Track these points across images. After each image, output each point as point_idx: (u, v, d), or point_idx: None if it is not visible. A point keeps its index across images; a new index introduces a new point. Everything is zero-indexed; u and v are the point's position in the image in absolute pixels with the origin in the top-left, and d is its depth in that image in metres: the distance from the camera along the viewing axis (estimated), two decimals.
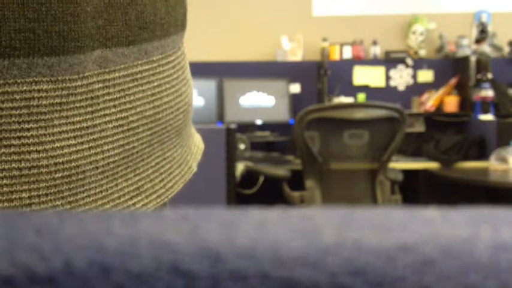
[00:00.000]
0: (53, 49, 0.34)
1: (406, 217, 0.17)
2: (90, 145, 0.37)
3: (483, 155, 3.51)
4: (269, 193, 3.22)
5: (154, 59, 0.40)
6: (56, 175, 0.36)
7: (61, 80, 0.35)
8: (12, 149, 0.34)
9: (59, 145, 0.35)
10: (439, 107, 3.95)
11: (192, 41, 4.19)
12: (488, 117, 3.72)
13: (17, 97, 0.34)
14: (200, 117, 3.60)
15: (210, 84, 3.77)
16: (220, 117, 3.79)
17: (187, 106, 0.44)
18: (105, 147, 0.37)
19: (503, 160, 3.25)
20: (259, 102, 3.92)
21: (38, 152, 0.35)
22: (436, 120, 3.94)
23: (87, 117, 0.36)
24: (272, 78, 3.98)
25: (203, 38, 4.21)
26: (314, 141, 2.88)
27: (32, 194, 0.35)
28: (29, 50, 0.33)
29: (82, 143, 0.36)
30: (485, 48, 4.02)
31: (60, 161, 0.35)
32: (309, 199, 2.91)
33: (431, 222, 0.17)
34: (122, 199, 0.39)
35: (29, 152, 0.34)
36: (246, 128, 3.79)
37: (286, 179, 3.04)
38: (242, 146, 3.49)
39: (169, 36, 0.41)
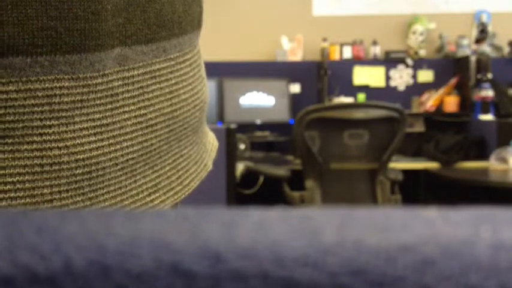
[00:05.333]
0: (74, 47, 0.35)
1: (406, 217, 0.17)
2: (109, 142, 0.37)
3: (483, 155, 3.51)
4: (269, 193, 3.22)
5: (172, 56, 0.41)
6: (77, 171, 0.36)
7: (82, 77, 0.35)
8: (35, 146, 0.35)
9: (79, 142, 0.36)
10: (439, 107, 3.95)
11: None
12: (488, 117, 3.72)
13: (39, 94, 0.34)
14: None
15: (210, 84, 3.77)
16: (220, 117, 3.79)
17: (203, 104, 0.45)
18: (124, 144, 0.38)
19: (503, 160, 3.25)
20: (259, 102, 3.92)
21: (60, 148, 0.35)
22: (436, 120, 3.94)
23: (107, 114, 0.37)
24: (272, 78, 3.98)
25: (203, 38, 4.20)
26: (314, 141, 2.88)
27: (53, 190, 0.36)
28: (51, 47, 0.34)
29: (102, 140, 0.37)
30: (485, 48, 4.02)
31: (81, 157, 0.36)
32: (309, 199, 2.91)
33: (431, 222, 0.17)
34: (140, 195, 0.40)
35: (51, 149, 0.35)
36: (246, 128, 3.79)
37: (286, 179, 3.03)
38: (242, 146, 3.49)
39: (187, 34, 0.42)
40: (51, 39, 0.34)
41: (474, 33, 4.14)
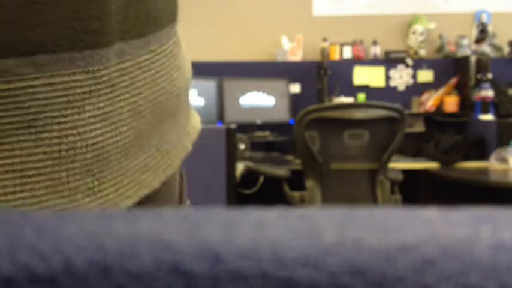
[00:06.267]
0: (89, 44, 0.40)
1: (406, 217, 0.17)
2: (111, 128, 0.42)
3: (483, 155, 3.51)
4: (269, 193, 3.22)
5: (152, 48, 0.46)
6: (87, 155, 0.41)
7: (91, 70, 0.40)
8: (53, 134, 0.39)
9: (89, 129, 0.41)
10: (439, 107, 3.95)
11: (192, 41, 4.19)
12: (488, 117, 3.72)
13: (59, 87, 0.39)
14: (200, 117, 3.60)
15: (210, 84, 3.77)
16: (220, 117, 3.79)
17: (179, 91, 0.49)
18: (122, 129, 0.43)
19: (503, 160, 3.25)
20: (259, 102, 3.92)
21: (74, 135, 0.40)
22: (436, 120, 3.94)
23: (108, 102, 0.42)
24: (272, 78, 3.98)
25: (203, 38, 4.21)
26: (314, 141, 2.88)
27: (69, 173, 0.40)
28: (70, 45, 0.39)
29: (105, 126, 0.42)
30: (485, 48, 4.02)
31: (91, 142, 0.41)
32: (309, 199, 2.91)
33: (431, 222, 0.17)
34: (135, 175, 0.45)
35: (67, 136, 0.40)
36: (246, 128, 3.79)
37: (286, 179, 3.04)
38: (242, 146, 3.49)
39: (164, 28, 0.47)
40: (71, 38, 0.39)
41: (474, 33, 4.14)
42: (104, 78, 0.41)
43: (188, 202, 0.57)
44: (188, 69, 0.52)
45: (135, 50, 0.44)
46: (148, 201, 0.47)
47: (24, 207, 0.39)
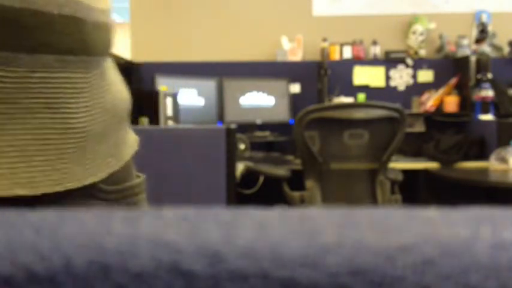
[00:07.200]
0: (90, 52, 0.56)
1: (406, 217, 0.17)
2: (91, 118, 0.56)
3: (483, 155, 3.51)
4: (269, 193, 3.22)
5: (105, 66, 0.62)
6: (81, 135, 0.55)
7: (86, 71, 0.56)
8: (63, 115, 0.53)
9: (81, 115, 0.55)
10: (439, 107, 3.95)
11: (192, 41, 4.19)
12: (488, 117, 3.72)
13: (71, 81, 0.54)
14: (200, 117, 3.60)
15: (210, 84, 3.77)
16: (220, 117, 3.79)
17: (125, 104, 0.65)
18: (96, 121, 0.57)
19: (503, 160, 3.25)
20: (259, 102, 3.92)
21: (73, 118, 0.54)
22: (436, 120, 3.94)
23: (90, 99, 0.56)
24: (272, 78, 3.98)
25: (203, 38, 4.21)
26: (314, 141, 2.88)
27: (69, 146, 0.54)
28: (84, 51, 0.55)
29: (88, 116, 0.56)
30: (485, 48, 4.02)
31: (81, 126, 0.55)
32: (309, 199, 2.91)
33: (431, 222, 0.17)
34: (103, 157, 0.58)
35: (70, 118, 0.54)
36: (246, 128, 3.79)
37: (286, 179, 3.04)
38: (242, 146, 3.49)
39: (106, 55, 0.63)
40: (85, 45, 0.55)
41: (474, 33, 4.14)
42: (89, 79, 0.57)
43: (142, 175, 0.69)
44: (126, 94, 0.67)
45: (100, 63, 0.59)
46: (115, 175, 0.61)
47: (45, 167, 0.52)
